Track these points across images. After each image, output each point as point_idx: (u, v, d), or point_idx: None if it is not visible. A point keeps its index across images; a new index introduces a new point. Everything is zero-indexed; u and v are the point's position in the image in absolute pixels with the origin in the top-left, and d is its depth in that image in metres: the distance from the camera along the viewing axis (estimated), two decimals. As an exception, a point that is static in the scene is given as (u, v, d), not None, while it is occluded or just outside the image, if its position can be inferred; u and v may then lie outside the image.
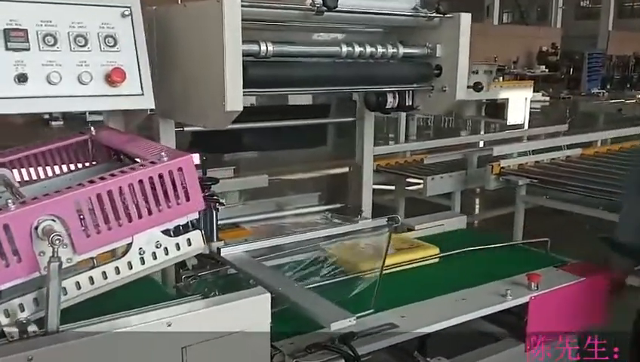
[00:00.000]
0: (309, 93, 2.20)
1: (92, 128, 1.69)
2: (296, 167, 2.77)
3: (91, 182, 1.19)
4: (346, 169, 2.37)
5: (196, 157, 1.40)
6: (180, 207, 1.27)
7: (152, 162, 1.25)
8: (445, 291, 1.68)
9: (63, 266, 1.15)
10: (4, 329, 1.11)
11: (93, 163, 1.70)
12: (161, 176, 1.23)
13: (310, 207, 2.41)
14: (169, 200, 1.25)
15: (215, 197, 1.57)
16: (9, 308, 1.14)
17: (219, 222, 1.78)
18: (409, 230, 2.21)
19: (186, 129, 1.93)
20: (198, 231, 1.33)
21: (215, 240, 1.75)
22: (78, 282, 1.21)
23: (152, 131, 1.98)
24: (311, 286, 1.62)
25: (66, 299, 1.18)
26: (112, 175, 1.21)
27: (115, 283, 1.24)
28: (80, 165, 1.69)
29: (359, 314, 1.41)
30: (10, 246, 1.09)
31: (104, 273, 1.24)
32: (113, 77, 1.51)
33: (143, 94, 1.58)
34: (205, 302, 1.23)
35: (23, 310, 1.15)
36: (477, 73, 7.23)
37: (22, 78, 1.42)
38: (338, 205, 2.38)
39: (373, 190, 2.34)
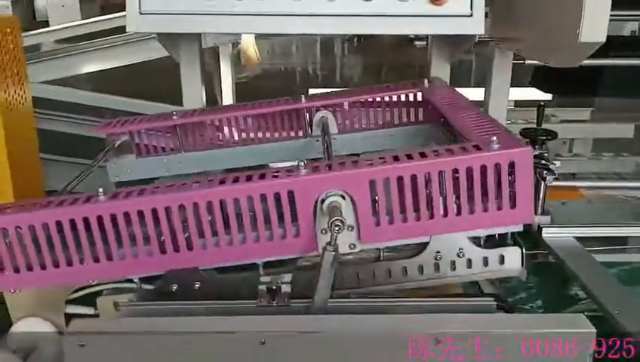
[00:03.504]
0: None
1: (425, 81, 1.45)
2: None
3: (395, 158, 0.94)
4: None
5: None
6: (500, 214, 0.93)
7: (476, 146, 0.93)
8: None
9: (345, 251, 0.96)
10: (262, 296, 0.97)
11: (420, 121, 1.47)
12: (483, 169, 0.91)
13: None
14: (487, 201, 0.93)
15: (544, 162, 1.16)
16: (276, 280, 0.99)
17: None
18: None
19: (527, 62, 1.55)
20: (517, 249, 0.99)
21: (540, 213, 1.36)
22: (358, 274, 1.01)
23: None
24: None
25: (337, 289, 1.00)
26: (423, 154, 0.94)
27: (397, 285, 1.01)
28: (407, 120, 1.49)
29: None
30: (291, 218, 0.94)
31: (389, 271, 1.01)
32: (437, -8, 1.24)
33: (471, 15, 1.27)
34: (497, 319, 0.87)
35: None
36: None
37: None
38: None
39: None
